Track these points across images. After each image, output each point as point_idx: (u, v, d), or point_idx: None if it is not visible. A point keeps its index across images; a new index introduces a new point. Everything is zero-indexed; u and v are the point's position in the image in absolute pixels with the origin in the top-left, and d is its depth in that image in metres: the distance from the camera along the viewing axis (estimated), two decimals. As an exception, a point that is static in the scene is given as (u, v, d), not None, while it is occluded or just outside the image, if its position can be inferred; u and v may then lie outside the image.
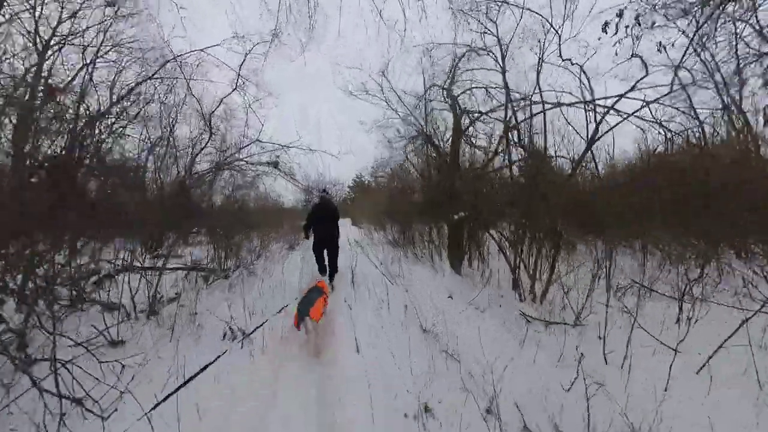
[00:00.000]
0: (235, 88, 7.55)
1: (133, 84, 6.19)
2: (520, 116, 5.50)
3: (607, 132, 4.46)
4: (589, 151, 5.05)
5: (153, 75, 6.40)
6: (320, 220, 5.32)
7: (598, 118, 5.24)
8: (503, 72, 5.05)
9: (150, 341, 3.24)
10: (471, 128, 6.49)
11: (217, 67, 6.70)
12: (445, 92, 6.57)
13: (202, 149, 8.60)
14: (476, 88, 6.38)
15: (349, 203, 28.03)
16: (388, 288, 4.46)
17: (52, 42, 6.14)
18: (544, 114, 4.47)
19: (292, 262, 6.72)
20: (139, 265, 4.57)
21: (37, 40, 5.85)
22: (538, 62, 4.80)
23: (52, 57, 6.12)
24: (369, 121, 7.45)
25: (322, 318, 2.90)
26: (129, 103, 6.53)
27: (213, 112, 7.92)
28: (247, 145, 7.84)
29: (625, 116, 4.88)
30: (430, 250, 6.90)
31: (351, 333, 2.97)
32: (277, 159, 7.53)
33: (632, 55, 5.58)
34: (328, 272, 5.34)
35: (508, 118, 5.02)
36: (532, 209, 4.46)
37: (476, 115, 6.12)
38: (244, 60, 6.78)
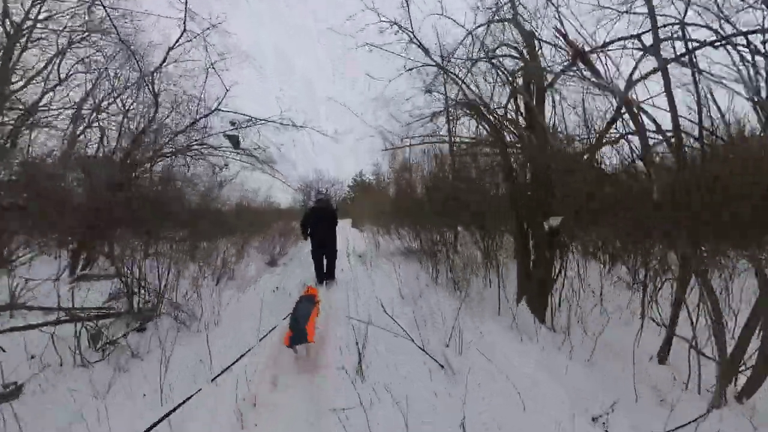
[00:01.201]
0: (184, 32, 5.12)
1: None
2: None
3: None
4: None
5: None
6: (318, 222, 5.13)
7: None
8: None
9: None
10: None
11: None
12: (506, 28, 4.15)
13: (146, 127, 6.15)
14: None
15: (349, 203, 25.83)
16: (442, 387, 2.05)
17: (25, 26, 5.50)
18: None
19: (263, 293, 4.26)
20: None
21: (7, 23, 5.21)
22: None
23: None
24: (375, 92, 4.93)
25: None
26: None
27: (157, 69, 5.49)
28: (204, 116, 5.40)
29: None
30: (481, 267, 4.49)
31: None
32: (236, 133, 5.07)
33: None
34: (324, 277, 5.15)
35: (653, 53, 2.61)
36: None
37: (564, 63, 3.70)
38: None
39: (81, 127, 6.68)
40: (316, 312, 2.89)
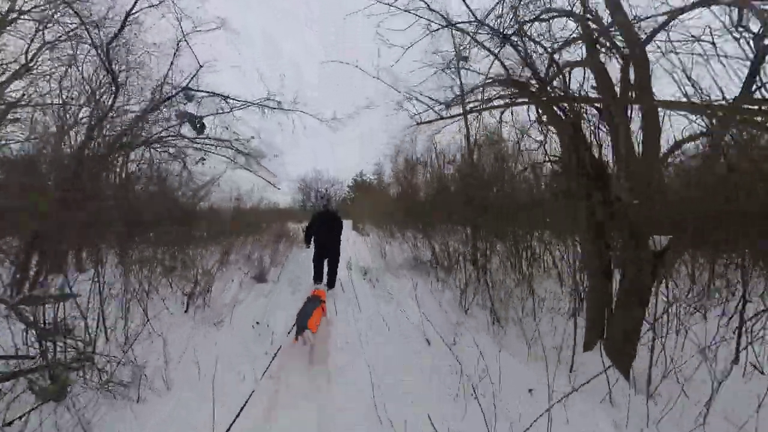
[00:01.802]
0: (144, -11, 4.05)
1: None
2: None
3: None
4: None
5: None
6: (321, 227, 5.26)
7: None
8: None
9: None
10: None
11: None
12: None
13: (107, 112, 5.04)
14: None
15: (349, 203, 24.87)
16: None
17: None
18: None
19: (241, 329, 3.18)
20: None
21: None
22: None
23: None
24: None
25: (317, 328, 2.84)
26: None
27: (114, 38, 4.39)
28: (168, 99, 4.29)
29: None
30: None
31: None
32: (197, 116, 3.96)
33: None
34: (325, 281, 5.16)
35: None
36: None
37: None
38: None
39: (71, 121, 5.57)
40: (320, 311, 3.01)
